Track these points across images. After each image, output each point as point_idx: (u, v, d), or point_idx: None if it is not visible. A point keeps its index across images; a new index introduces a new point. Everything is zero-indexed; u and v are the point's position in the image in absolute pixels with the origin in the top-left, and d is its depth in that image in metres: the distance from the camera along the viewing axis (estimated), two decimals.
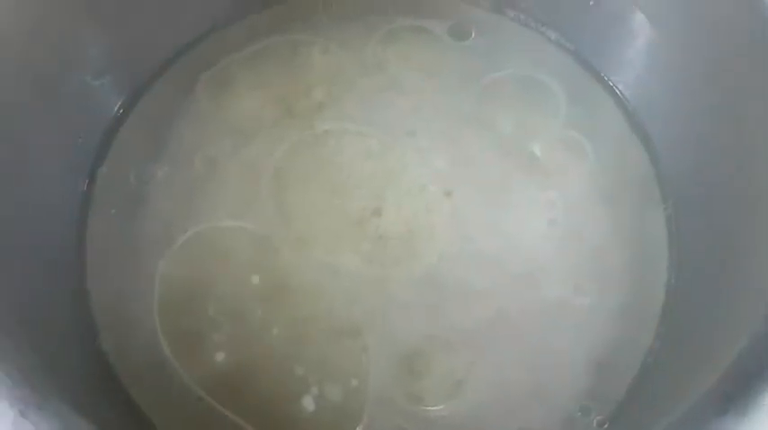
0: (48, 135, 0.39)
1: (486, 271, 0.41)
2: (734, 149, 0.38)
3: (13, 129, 0.36)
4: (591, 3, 0.43)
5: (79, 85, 0.40)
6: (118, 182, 0.42)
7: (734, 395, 0.27)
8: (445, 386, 0.38)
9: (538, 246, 0.41)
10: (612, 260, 0.41)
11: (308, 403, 0.38)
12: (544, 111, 0.44)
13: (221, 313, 0.39)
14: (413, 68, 0.45)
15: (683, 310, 0.40)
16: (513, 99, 0.44)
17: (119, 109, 0.44)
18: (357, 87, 0.45)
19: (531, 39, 0.46)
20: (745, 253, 0.35)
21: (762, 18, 0.34)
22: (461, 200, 0.42)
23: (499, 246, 0.41)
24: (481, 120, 0.44)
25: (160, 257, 0.40)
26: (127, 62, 0.43)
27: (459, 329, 0.39)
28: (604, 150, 0.43)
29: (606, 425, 0.38)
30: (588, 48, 0.45)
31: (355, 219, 0.41)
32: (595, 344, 0.40)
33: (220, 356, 0.39)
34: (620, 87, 0.45)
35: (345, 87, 0.45)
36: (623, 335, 0.40)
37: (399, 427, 0.38)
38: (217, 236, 0.41)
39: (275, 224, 0.41)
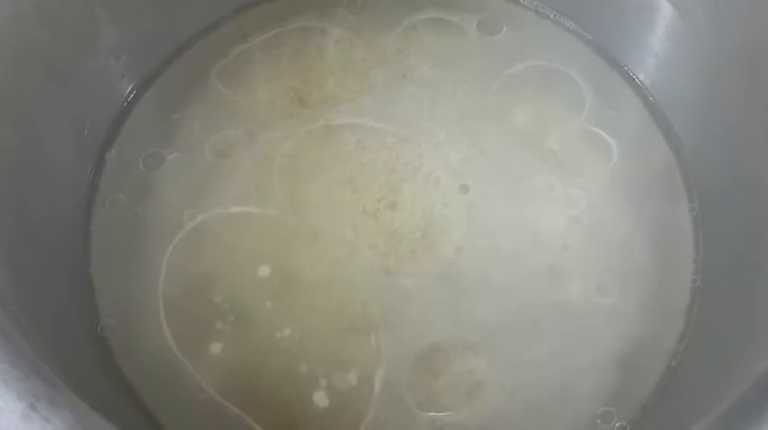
0: (57, 118, 0.38)
1: (506, 267, 0.39)
2: (763, 143, 0.36)
3: (22, 110, 0.35)
4: None
5: (90, 68, 0.40)
6: (127, 166, 0.41)
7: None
8: (464, 387, 0.37)
9: (559, 243, 0.40)
10: (636, 258, 0.40)
11: (320, 399, 0.36)
12: (566, 104, 0.43)
13: (227, 303, 0.38)
14: (433, 61, 0.44)
15: (708, 312, 0.38)
16: (534, 92, 0.43)
17: (130, 93, 0.43)
18: (371, 79, 0.44)
19: (553, 31, 0.45)
20: None
21: None
22: (479, 194, 0.41)
23: (519, 242, 0.40)
24: (501, 113, 0.43)
25: (167, 243, 0.39)
26: (140, 46, 0.42)
27: (478, 327, 0.38)
28: (627, 144, 0.42)
29: None
30: (610, 39, 0.44)
31: (369, 212, 0.40)
32: (617, 345, 0.38)
33: (225, 347, 0.37)
34: (641, 78, 0.44)
35: (359, 78, 0.44)
36: (646, 338, 0.39)
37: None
38: (225, 223, 0.40)
39: (286, 214, 0.40)
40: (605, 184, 0.41)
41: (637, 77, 0.44)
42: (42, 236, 0.36)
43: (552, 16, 0.45)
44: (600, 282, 0.39)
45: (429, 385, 0.37)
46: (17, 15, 0.34)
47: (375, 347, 0.37)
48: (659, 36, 0.42)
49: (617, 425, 0.37)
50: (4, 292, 0.29)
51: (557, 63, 0.44)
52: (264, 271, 0.39)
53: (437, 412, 0.36)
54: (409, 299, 0.38)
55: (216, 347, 0.37)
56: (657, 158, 0.42)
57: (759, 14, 0.35)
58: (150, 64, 0.43)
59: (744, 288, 0.36)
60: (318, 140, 0.42)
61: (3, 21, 0.33)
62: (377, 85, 0.44)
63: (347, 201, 0.41)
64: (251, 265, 0.39)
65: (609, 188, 0.41)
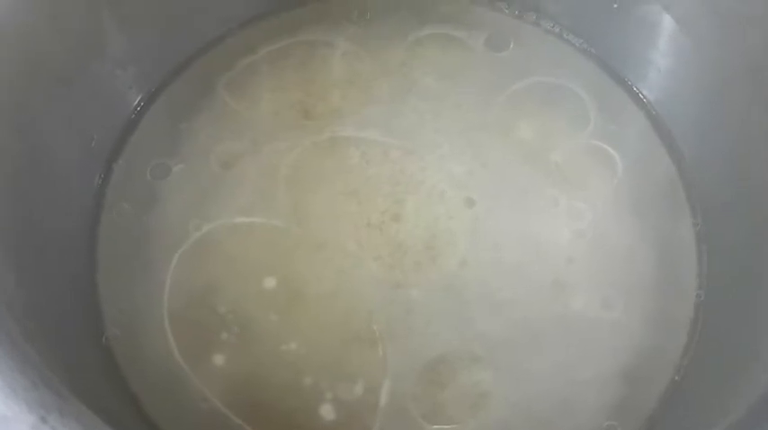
0: (65, 127, 0.38)
1: (510, 279, 0.39)
2: (765, 157, 0.36)
3: (31, 119, 0.36)
4: (615, 5, 0.42)
5: (98, 78, 0.40)
6: (134, 176, 0.41)
7: None
8: (469, 399, 0.37)
9: (563, 256, 0.40)
10: (640, 272, 0.40)
11: (326, 411, 0.36)
12: (571, 119, 0.43)
13: (232, 313, 0.38)
14: (437, 74, 0.44)
15: (712, 326, 0.38)
16: (538, 107, 0.43)
17: (138, 105, 0.43)
18: (376, 91, 0.44)
19: (559, 47, 0.45)
20: None
21: None
22: (484, 207, 0.41)
23: (523, 255, 0.40)
24: (505, 127, 0.43)
25: (173, 253, 0.39)
26: (147, 58, 0.42)
27: (483, 339, 0.38)
28: (631, 159, 0.42)
29: None
30: (614, 54, 0.44)
31: (374, 224, 0.40)
32: (621, 358, 0.38)
33: (230, 357, 0.37)
34: (645, 93, 0.44)
35: (364, 91, 0.44)
36: (650, 351, 0.38)
37: None
38: (230, 233, 0.40)
39: (291, 226, 0.40)
40: (609, 198, 0.41)
41: (640, 92, 0.44)
42: (49, 243, 0.36)
43: (558, 33, 0.45)
44: (604, 295, 0.39)
45: (434, 397, 0.37)
46: (32, 24, 0.34)
47: (380, 359, 0.37)
48: (662, 51, 0.42)
49: None
50: (11, 298, 0.29)
51: (562, 79, 0.44)
52: (269, 282, 0.39)
53: (442, 424, 0.36)
54: (414, 310, 0.38)
55: (220, 358, 0.37)
56: (661, 172, 0.42)
57: (762, 29, 0.35)
58: (158, 75, 0.43)
59: (747, 301, 0.36)
60: (323, 152, 0.42)
61: (18, 29, 0.33)
62: (382, 98, 0.44)
63: (352, 213, 0.41)
64: (256, 276, 0.39)
65: (613, 202, 0.41)
